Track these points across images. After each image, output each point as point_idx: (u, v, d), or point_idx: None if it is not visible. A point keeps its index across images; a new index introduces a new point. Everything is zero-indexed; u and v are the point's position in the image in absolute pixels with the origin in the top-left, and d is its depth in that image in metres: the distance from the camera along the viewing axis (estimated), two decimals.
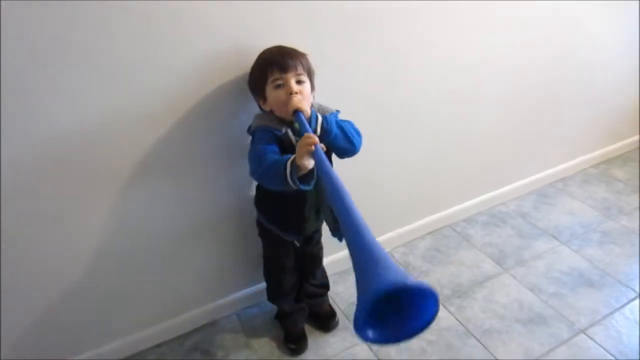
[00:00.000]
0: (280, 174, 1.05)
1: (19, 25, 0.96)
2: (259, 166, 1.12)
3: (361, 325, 0.74)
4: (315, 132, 1.11)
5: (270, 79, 1.14)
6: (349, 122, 1.22)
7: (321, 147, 1.00)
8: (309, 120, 1.10)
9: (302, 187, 1.05)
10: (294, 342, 1.53)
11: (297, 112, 1.09)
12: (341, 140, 1.17)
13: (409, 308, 0.78)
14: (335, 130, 1.15)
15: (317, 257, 1.53)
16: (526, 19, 1.77)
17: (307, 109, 1.10)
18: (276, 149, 1.13)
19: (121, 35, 1.06)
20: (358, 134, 1.21)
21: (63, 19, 0.99)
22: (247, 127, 1.25)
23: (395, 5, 1.41)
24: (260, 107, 1.22)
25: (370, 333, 0.76)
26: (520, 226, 2.10)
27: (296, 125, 1.13)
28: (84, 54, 1.04)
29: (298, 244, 1.41)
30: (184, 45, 1.15)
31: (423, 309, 0.77)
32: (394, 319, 0.79)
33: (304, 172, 1.04)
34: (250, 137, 1.23)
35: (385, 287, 0.70)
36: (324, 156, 0.98)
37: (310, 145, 0.99)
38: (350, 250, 0.80)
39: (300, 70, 1.15)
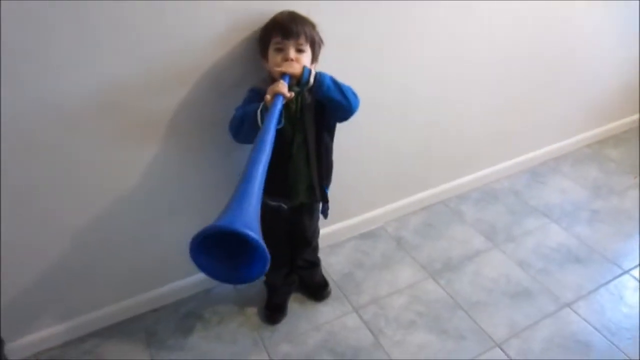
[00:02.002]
0: (252, 113, 1.14)
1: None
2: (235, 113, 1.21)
3: (195, 246, 0.85)
4: (308, 83, 1.14)
5: (272, 41, 1.18)
6: (347, 85, 1.23)
7: (289, 95, 1.09)
8: (302, 73, 1.13)
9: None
10: (272, 310, 1.57)
11: (284, 74, 1.12)
12: (334, 92, 1.18)
13: (249, 260, 0.91)
14: (328, 82, 1.17)
15: (307, 239, 1.52)
16: None
17: (297, 72, 1.13)
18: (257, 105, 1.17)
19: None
20: (355, 95, 1.23)
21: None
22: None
23: None
24: (264, 67, 1.25)
25: (202, 258, 0.89)
26: (512, 203, 2.13)
27: (295, 89, 1.16)
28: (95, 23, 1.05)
29: (285, 207, 1.38)
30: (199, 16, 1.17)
31: (255, 265, 0.91)
32: (234, 263, 0.93)
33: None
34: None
35: (222, 225, 0.84)
36: (277, 110, 1.06)
37: (279, 90, 1.08)
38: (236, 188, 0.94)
39: (302, 39, 1.17)
